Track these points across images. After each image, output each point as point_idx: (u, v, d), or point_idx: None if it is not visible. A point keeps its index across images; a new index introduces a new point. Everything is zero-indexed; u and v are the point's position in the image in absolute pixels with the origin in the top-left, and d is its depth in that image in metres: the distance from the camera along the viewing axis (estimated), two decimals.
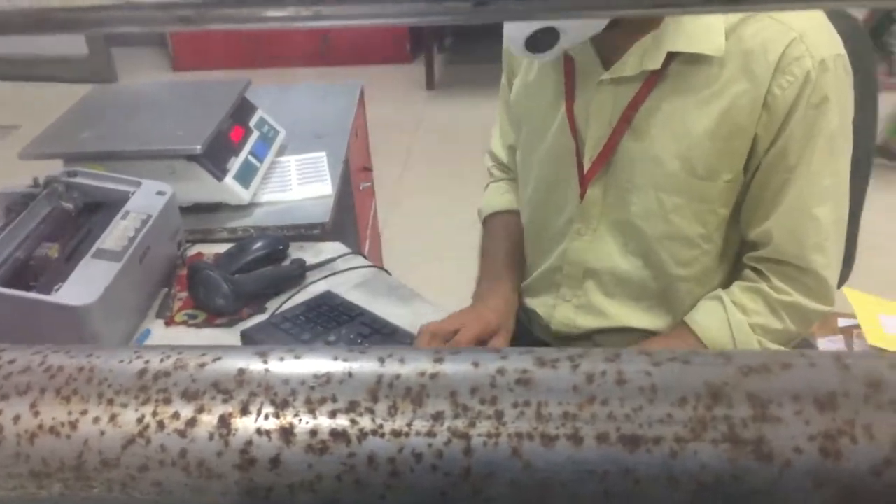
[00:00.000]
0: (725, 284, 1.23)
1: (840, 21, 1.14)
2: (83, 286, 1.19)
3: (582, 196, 1.23)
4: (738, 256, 1.24)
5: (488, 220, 1.49)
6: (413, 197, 3.43)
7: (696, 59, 1.09)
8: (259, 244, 1.49)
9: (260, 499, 0.30)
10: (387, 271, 1.53)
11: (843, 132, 1.10)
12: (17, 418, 0.30)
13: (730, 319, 1.16)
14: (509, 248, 1.42)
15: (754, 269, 1.18)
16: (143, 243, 1.33)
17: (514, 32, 1.06)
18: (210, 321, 1.36)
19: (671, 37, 1.09)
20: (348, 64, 4.92)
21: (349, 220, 2.00)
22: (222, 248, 1.51)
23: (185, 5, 0.23)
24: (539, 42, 1.05)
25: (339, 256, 1.51)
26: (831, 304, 1.16)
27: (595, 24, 1.05)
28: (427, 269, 2.66)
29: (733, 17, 1.08)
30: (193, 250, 1.55)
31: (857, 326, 1.96)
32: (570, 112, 1.21)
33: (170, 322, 1.36)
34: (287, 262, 1.49)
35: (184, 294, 1.42)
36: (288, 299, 1.41)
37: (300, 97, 2.19)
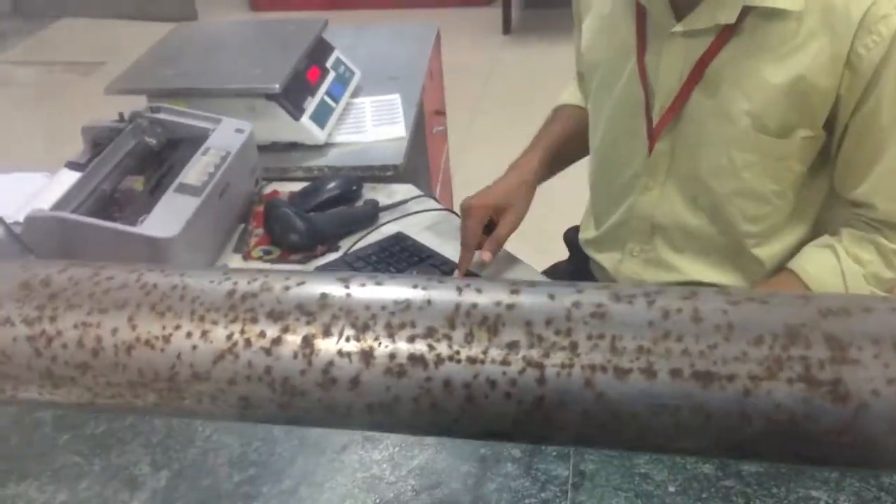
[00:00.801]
0: (801, 241, 1.21)
1: None
2: (166, 219, 1.23)
3: (650, 150, 1.21)
4: (815, 214, 1.21)
5: (557, 110, 1.50)
6: (485, 143, 3.42)
7: (772, 14, 1.05)
8: (333, 184, 1.51)
9: (339, 417, 0.32)
10: (457, 214, 1.54)
11: None
12: (115, 331, 0.32)
13: (843, 269, 1.14)
14: (560, 128, 1.44)
15: (863, 222, 1.15)
16: (223, 179, 1.36)
17: None
18: (284, 257, 1.40)
19: None
20: (425, 6, 4.88)
21: (422, 162, 2.01)
22: (297, 186, 1.54)
23: None
24: None
25: (412, 198, 1.53)
26: None
27: None
28: None
29: None
30: (270, 188, 1.58)
31: None
32: (641, 63, 1.18)
33: (247, 256, 1.40)
34: (360, 203, 1.51)
35: (260, 230, 1.45)
36: (360, 239, 1.43)
37: (376, 38, 2.19)
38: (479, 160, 3.26)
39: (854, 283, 1.13)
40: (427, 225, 1.46)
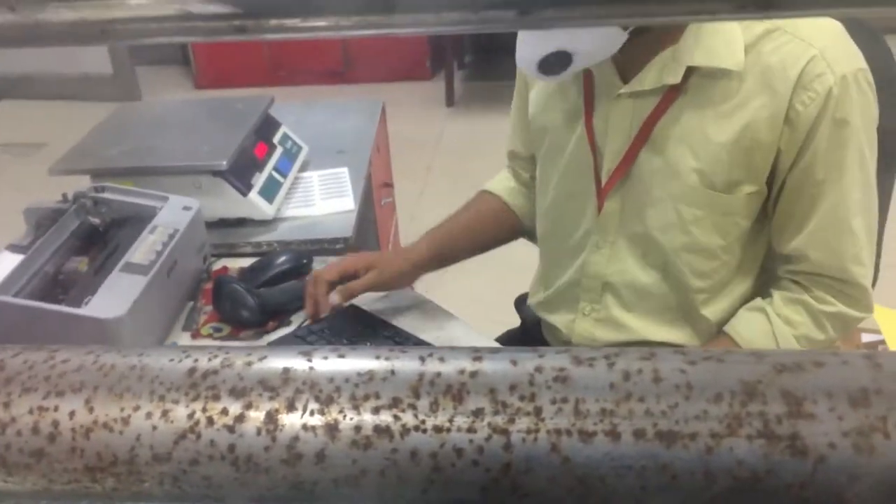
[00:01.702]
0: (745, 297, 1.24)
1: (858, 32, 1.14)
2: (112, 299, 1.21)
3: (600, 209, 1.24)
4: (759, 269, 1.24)
5: (476, 195, 1.53)
6: (433, 212, 3.41)
7: (715, 74, 1.10)
8: (283, 258, 1.51)
9: (305, 493, 0.31)
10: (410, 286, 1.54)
11: (870, 143, 1.11)
12: (72, 414, 0.31)
13: (775, 332, 1.16)
14: (464, 221, 1.48)
15: (793, 282, 1.18)
16: (171, 257, 1.34)
17: (527, 55, 1.07)
18: (235, 334, 1.38)
19: (690, 51, 1.09)
20: (368, 81, 4.95)
21: (371, 235, 2.02)
22: (247, 262, 1.53)
23: (241, 15, 0.24)
24: (551, 65, 1.06)
25: None
26: (871, 311, 1.18)
27: (608, 48, 1.06)
28: (448, 283, 2.66)
29: (753, 33, 1.08)
30: (218, 264, 1.56)
31: (883, 342, 1.95)
32: (590, 125, 1.22)
33: (196, 335, 1.38)
34: (311, 277, 1.51)
35: (209, 307, 1.44)
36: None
37: (322, 114, 2.21)
38: (428, 230, 3.29)
39: (786, 345, 1.16)
40: (380, 296, 1.46)
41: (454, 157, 4.11)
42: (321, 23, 0.26)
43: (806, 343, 1.16)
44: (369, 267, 1.36)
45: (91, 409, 0.31)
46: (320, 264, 1.54)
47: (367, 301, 1.43)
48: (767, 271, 1.25)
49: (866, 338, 1.98)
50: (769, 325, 1.17)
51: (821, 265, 1.14)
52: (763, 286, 1.24)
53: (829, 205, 1.11)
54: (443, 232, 1.46)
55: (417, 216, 3.37)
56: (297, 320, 1.40)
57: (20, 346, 0.33)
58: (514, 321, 1.62)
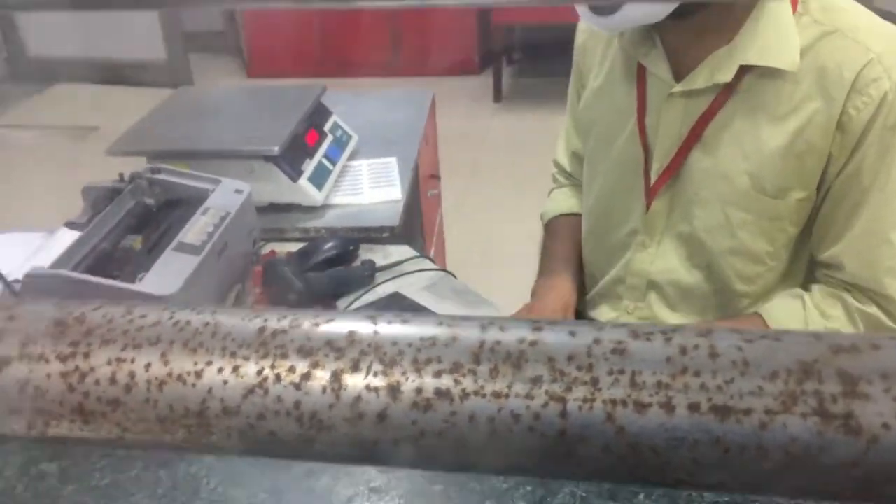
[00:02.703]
0: None
1: None
2: (165, 277, 1.24)
3: (647, 207, 1.23)
4: (804, 276, 1.23)
5: (551, 223, 1.50)
6: (477, 207, 3.46)
7: (769, 74, 1.08)
8: (330, 244, 1.53)
9: (366, 451, 0.32)
10: (453, 275, 1.55)
11: None
12: (148, 366, 0.33)
13: (807, 320, 1.15)
14: (571, 247, 1.44)
15: (832, 284, 1.17)
16: (222, 239, 1.37)
17: None
18: None
19: (745, 49, 1.08)
20: (417, 74, 4.97)
21: (416, 225, 2.03)
22: (295, 247, 1.55)
23: None
24: (604, 4, 1.03)
25: (408, 259, 1.54)
26: None
27: (662, 8, 1.03)
28: (489, 276, 2.67)
29: (809, 34, 1.07)
30: (267, 248, 1.59)
31: None
32: (641, 123, 1.21)
33: None
34: (357, 263, 1.53)
35: (257, 290, 1.46)
36: (357, 298, 1.44)
37: (373, 104, 2.23)
38: (472, 224, 3.30)
39: None
40: (424, 285, 1.47)
41: (500, 152, 4.11)
42: None
43: None
44: (565, 311, 1.35)
45: (166, 363, 0.33)
46: (367, 252, 1.56)
47: (411, 290, 1.44)
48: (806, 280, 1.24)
49: None
50: (803, 313, 1.16)
51: (856, 275, 1.13)
52: None
53: (870, 214, 1.09)
54: (563, 259, 1.43)
55: (462, 210, 3.39)
56: (343, 305, 1.42)
57: (100, 300, 0.35)
58: None
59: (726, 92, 1.11)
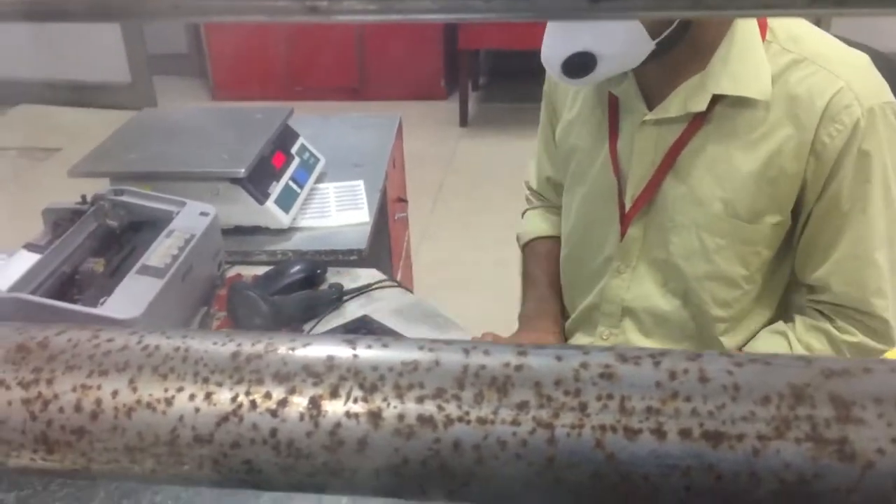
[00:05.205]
0: (764, 327, 1.23)
1: (884, 67, 1.14)
2: (128, 300, 1.21)
3: (622, 235, 1.24)
4: (779, 300, 1.24)
5: (529, 246, 1.50)
6: (444, 230, 3.45)
7: (741, 103, 1.09)
8: (297, 267, 1.51)
9: (346, 480, 0.31)
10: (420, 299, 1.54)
11: None
12: (115, 393, 0.31)
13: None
14: (553, 271, 1.44)
15: (817, 311, 1.18)
16: (186, 262, 1.35)
17: (552, 55, 1.05)
18: None
19: (717, 79, 1.09)
20: (383, 98, 4.98)
21: (384, 248, 2.02)
22: (261, 270, 1.53)
23: None
24: (576, 67, 1.05)
25: (377, 283, 1.53)
26: (894, 344, 1.16)
27: (634, 55, 1.05)
28: (456, 300, 2.66)
29: (779, 63, 1.08)
30: (233, 271, 1.57)
31: None
32: (614, 151, 1.22)
33: None
34: (325, 287, 1.51)
35: (222, 313, 1.43)
36: (319, 321, 1.43)
37: (340, 127, 2.22)
38: (439, 246, 3.29)
39: None
40: (392, 309, 1.46)
41: (466, 176, 4.12)
42: (404, 4, 0.26)
43: None
44: (557, 340, 1.36)
45: (135, 389, 0.31)
46: (334, 275, 1.54)
47: (380, 314, 1.43)
48: (787, 302, 1.24)
49: None
50: (789, 349, 1.16)
51: (843, 297, 1.14)
52: (782, 317, 1.24)
53: (853, 236, 1.10)
54: (548, 285, 1.43)
55: (428, 233, 3.38)
56: (309, 329, 1.40)
57: (64, 324, 0.33)
58: None
59: (699, 120, 1.12)
